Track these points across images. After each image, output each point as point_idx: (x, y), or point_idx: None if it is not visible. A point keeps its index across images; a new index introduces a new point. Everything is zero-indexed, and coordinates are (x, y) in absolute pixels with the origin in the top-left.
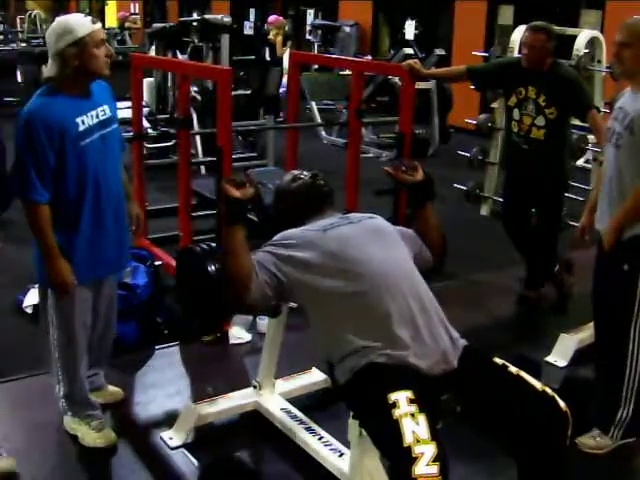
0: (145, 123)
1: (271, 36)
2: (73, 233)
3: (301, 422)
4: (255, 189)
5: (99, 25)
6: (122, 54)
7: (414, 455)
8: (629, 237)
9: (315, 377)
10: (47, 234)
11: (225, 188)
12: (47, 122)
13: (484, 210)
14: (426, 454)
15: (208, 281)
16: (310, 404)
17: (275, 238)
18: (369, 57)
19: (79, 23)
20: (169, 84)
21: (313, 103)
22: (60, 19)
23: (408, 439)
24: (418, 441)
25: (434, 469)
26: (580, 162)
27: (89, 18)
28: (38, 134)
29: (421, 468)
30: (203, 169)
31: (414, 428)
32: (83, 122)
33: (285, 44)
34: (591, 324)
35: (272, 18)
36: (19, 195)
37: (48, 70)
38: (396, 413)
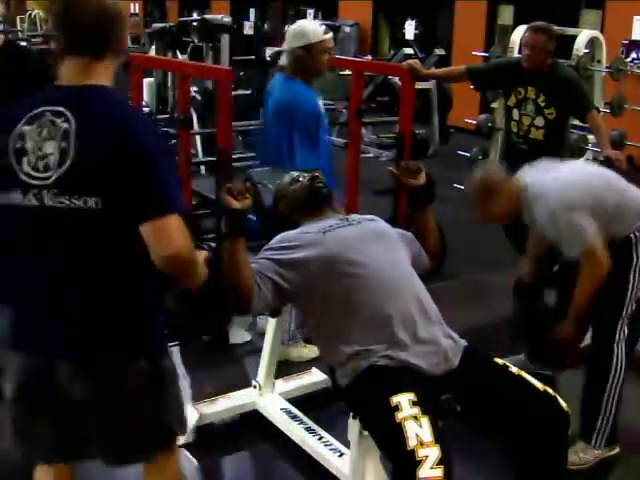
0: None
1: None
2: None
3: (301, 422)
4: (254, 195)
5: (330, 35)
6: None
7: (418, 458)
8: (620, 238)
9: (315, 377)
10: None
11: (225, 199)
12: (313, 102)
13: None
14: (430, 457)
15: (208, 282)
16: (310, 404)
17: (273, 242)
18: (369, 57)
19: (313, 30)
20: (169, 84)
21: None
22: (300, 23)
23: (411, 442)
24: (422, 444)
25: (438, 472)
26: None
27: (323, 27)
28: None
29: (425, 471)
30: (203, 169)
31: (417, 431)
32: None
33: None
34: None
35: None
36: None
37: (282, 60)
38: (399, 416)
